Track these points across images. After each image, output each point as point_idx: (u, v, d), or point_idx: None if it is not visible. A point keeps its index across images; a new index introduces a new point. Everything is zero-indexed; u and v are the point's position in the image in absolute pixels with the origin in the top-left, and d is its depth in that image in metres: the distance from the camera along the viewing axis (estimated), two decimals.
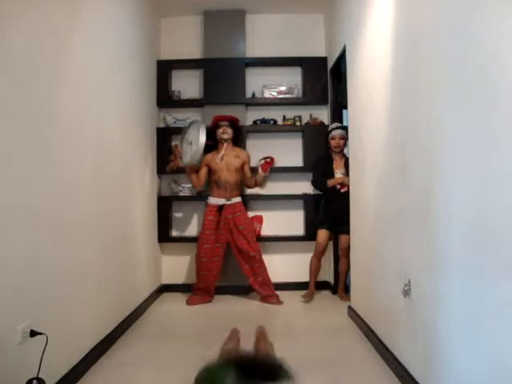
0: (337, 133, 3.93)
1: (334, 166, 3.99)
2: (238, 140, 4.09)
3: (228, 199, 3.89)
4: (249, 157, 4.08)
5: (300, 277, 4.22)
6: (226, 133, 3.92)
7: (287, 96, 4.41)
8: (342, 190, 3.88)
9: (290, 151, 4.37)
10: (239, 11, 4.40)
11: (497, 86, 1.36)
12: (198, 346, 2.84)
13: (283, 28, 4.50)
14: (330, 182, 3.92)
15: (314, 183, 4.10)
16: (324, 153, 4.09)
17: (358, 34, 3.09)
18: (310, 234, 4.18)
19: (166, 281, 4.31)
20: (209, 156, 3.96)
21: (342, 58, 3.68)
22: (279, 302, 3.83)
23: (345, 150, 4.01)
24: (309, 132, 4.32)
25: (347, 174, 3.83)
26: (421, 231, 1.98)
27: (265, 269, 3.93)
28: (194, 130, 3.91)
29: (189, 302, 3.85)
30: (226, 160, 3.92)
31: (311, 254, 4.06)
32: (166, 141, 4.34)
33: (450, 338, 1.71)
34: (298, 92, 4.44)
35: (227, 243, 3.91)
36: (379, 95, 2.61)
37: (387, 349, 2.47)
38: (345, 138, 3.91)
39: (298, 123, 4.39)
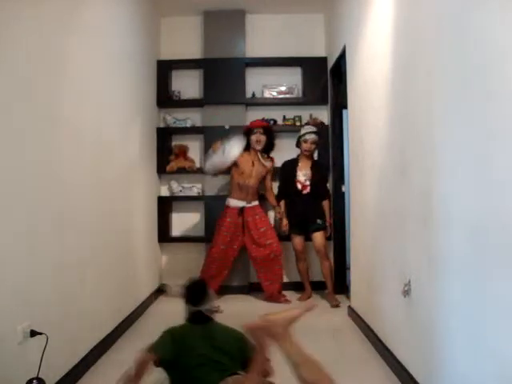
0: (310, 137, 3.91)
1: (299, 167, 3.97)
2: (269, 149, 4.02)
3: (248, 202, 3.91)
4: (273, 167, 4.05)
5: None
6: (259, 141, 3.90)
7: (287, 96, 4.41)
8: (304, 192, 3.91)
9: (290, 151, 4.37)
10: (239, 11, 4.40)
11: (497, 85, 1.36)
12: None
13: (283, 28, 4.50)
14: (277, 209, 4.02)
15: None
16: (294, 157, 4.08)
17: (358, 34, 3.09)
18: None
19: (165, 281, 4.31)
20: (241, 155, 3.88)
21: (342, 58, 3.67)
22: (287, 301, 3.86)
23: (315, 155, 4.10)
24: None
25: (313, 176, 3.92)
26: (421, 231, 1.98)
27: (281, 269, 3.95)
28: (233, 145, 3.84)
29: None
30: (256, 167, 3.92)
31: (311, 255, 4.06)
32: (166, 141, 4.34)
33: (449, 337, 1.71)
34: (298, 92, 4.44)
35: (242, 246, 3.91)
36: (379, 95, 2.61)
37: (387, 349, 2.47)
38: (316, 143, 3.95)
39: (297, 123, 4.38)
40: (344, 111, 4.05)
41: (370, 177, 2.88)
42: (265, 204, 4.17)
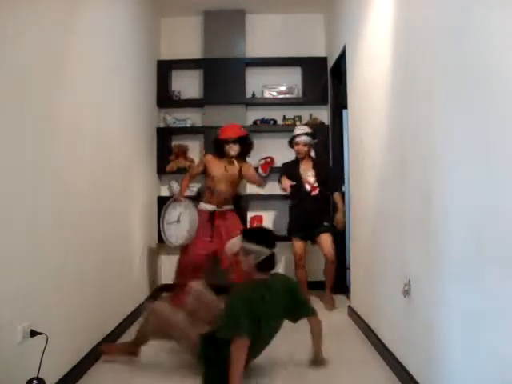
0: (301, 139, 3.75)
1: (302, 169, 3.81)
2: (247, 152, 3.75)
3: (219, 207, 3.65)
4: (251, 168, 3.74)
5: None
6: (232, 150, 3.60)
7: (287, 96, 4.41)
8: (313, 193, 3.72)
9: (289, 151, 4.37)
10: (239, 11, 4.40)
11: (497, 85, 1.36)
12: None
13: (283, 28, 4.50)
14: (284, 183, 3.72)
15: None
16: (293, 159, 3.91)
17: (358, 34, 3.09)
18: None
19: (165, 281, 4.30)
20: (210, 156, 3.69)
21: (342, 58, 3.67)
22: None
23: (312, 154, 3.93)
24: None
25: (317, 177, 3.75)
26: (421, 231, 1.98)
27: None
28: (186, 215, 3.61)
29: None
30: (229, 172, 3.63)
31: (310, 254, 4.05)
32: (165, 141, 4.34)
33: (449, 337, 1.71)
34: (298, 92, 4.44)
35: (215, 251, 3.59)
36: (379, 95, 2.61)
37: (387, 349, 2.47)
38: (309, 145, 3.79)
39: (298, 123, 4.38)
40: (344, 111, 4.05)
41: (370, 177, 2.88)
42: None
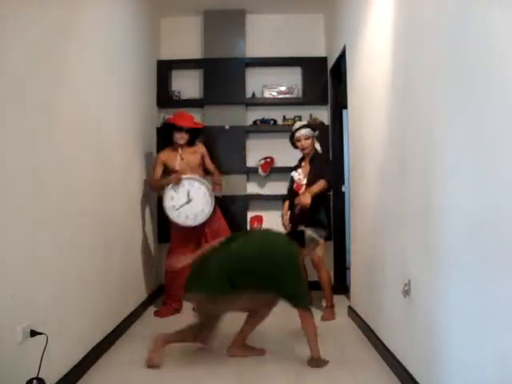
0: (300, 133, 3.50)
1: (301, 168, 3.60)
2: (193, 141, 3.73)
3: None
4: (205, 149, 3.75)
5: None
6: (182, 138, 3.57)
7: (287, 96, 4.41)
8: (300, 191, 3.50)
9: (289, 151, 4.36)
10: (239, 11, 4.40)
11: (497, 85, 1.36)
12: (197, 345, 2.84)
13: (283, 28, 4.50)
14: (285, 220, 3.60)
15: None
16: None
17: (357, 34, 3.09)
18: None
19: (165, 281, 4.30)
20: (164, 155, 3.63)
21: (342, 58, 3.67)
22: None
23: (317, 146, 3.61)
24: None
25: (310, 171, 3.47)
26: (421, 231, 1.98)
27: None
28: (196, 190, 3.54)
29: (162, 314, 3.52)
30: (186, 158, 3.60)
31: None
32: (165, 140, 4.33)
33: (449, 337, 1.71)
34: (298, 92, 4.44)
35: (198, 244, 3.52)
36: (379, 95, 2.61)
37: (387, 349, 2.47)
38: (311, 137, 3.52)
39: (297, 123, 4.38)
40: (344, 111, 4.05)
41: (370, 177, 2.88)
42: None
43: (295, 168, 3.67)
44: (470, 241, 1.55)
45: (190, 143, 3.69)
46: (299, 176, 3.55)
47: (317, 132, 3.62)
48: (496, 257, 1.38)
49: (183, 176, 3.53)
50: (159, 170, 3.61)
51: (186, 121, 3.61)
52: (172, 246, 3.62)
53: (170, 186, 3.53)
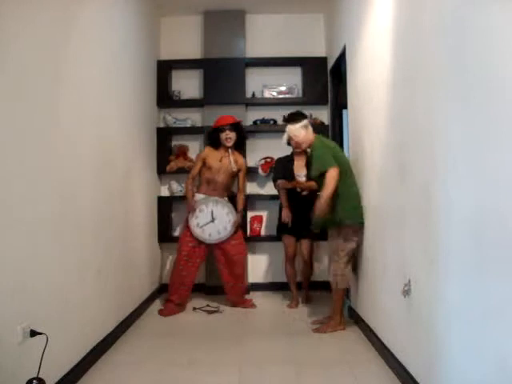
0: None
1: (296, 166, 3.74)
2: (240, 144, 3.85)
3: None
4: (245, 166, 3.87)
5: (300, 277, 4.21)
6: (229, 139, 3.68)
7: (287, 96, 4.41)
8: (304, 193, 3.68)
9: (290, 151, 4.37)
10: (239, 11, 4.40)
11: (497, 85, 1.36)
12: (197, 345, 2.85)
13: (283, 28, 4.50)
14: (282, 184, 3.69)
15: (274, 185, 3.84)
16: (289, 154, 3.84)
17: (357, 34, 3.09)
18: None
19: (165, 281, 4.30)
20: (208, 150, 3.74)
21: (341, 57, 3.67)
22: (253, 306, 3.76)
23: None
24: None
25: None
26: (421, 231, 1.98)
27: (244, 271, 3.84)
28: (220, 209, 3.69)
29: (165, 312, 3.58)
30: (225, 164, 3.70)
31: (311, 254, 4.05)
32: (166, 141, 4.34)
33: (449, 337, 1.71)
34: (298, 92, 4.44)
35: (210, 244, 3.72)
36: (379, 95, 2.61)
37: (387, 349, 2.47)
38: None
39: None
40: (344, 111, 4.05)
41: (370, 177, 2.88)
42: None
43: (289, 161, 3.76)
44: (469, 241, 1.55)
45: (237, 147, 3.81)
46: (304, 179, 3.69)
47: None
48: (496, 257, 1.38)
49: (196, 205, 3.68)
50: (197, 167, 3.75)
51: (227, 120, 3.73)
52: (181, 241, 3.71)
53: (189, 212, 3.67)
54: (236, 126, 3.74)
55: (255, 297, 4.01)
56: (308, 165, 3.47)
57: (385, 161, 2.55)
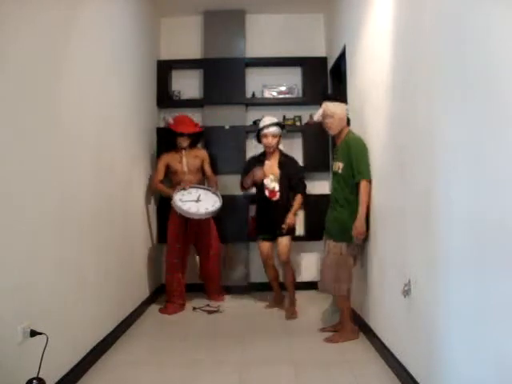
0: (269, 131, 3.49)
1: (267, 167, 3.55)
2: (196, 142, 3.96)
3: None
4: (207, 155, 3.95)
5: (300, 277, 4.22)
6: (184, 141, 3.79)
7: (287, 96, 4.41)
8: (274, 199, 3.51)
9: (290, 151, 4.35)
10: (239, 11, 4.40)
11: (497, 85, 1.36)
12: (197, 345, 2.85)
13: (283, 28, 4.50)
14: (248, 181, 3.57)
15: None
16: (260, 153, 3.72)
17: (357, 34, 3.09)
18: (310, 234, 4.18)
19: (165, 281, 4.30)
20: (167, 156, 3.83)
21: (341, 57, 3.67)
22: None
23: (280, 146, 3.63)
24: (309, 132, 4.31)
25: (281, 177, 3.51)
26: (421, 231, 1.98)
27: (219, 268, 3.98)
28: (208, 195, 3.72)
29: (169, 311, 3.62)
30: (187, 161, 3.81)
31: (311, 254, 4.06)
32: (166, 141, 4.33)
33: (449, 337, 1.71)
34: (297, 92, 4.44)
35: (193, 244, 3.92)
36: (379, 95, 2.61)
37: (387, 349, 2.47)
38: (278, 136, 3.55)
39: (297, 123, 4.38)
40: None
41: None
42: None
43: (259, 162, 3.60)
44: (469, 241, 1.55)
45: (193, 144, 3.91)
46: (272, 183, 3.51)
47: (285, 131, 3.69)
48: (496, 257, 1.38)
49: (197, 185, 3.77)
50: (162, 171, 3.82)
51: (187, 126, 3.78)
52: (169, 242, 3.79)
53: (180, 188, 3.69)
54: (191, 135, 3.82)
55: (256, 296, 4.02)
56: (334, 154, 3.13)
57: (385, 161, 2.55)
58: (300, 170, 3.73)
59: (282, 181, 3.52)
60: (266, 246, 3.63)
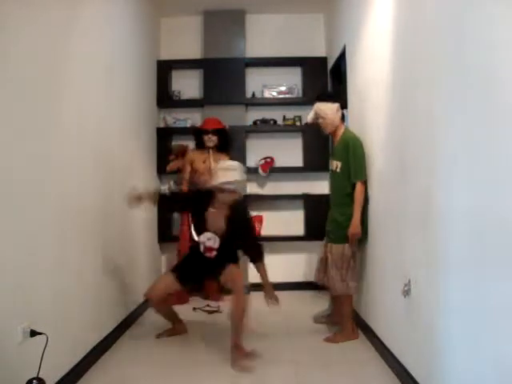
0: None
1: (211, 216, 2.73)
2: (225, 146, 3.86)
3: None
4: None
5: (300, 277, 4.23)
6: (210, 140, 3.79)
7: (287, 96, 4.41)
8: (207, 255, 2.77)
9: (289, 151, 4.38)
10: (239, 11, 4.40)
11: (497, 84, 1.36)
12: (197, 345, 2.85)
13: (283, 28, 4.50)
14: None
15: None
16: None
17: (357, 34, 3.09)
18: (310, 234, 4.18)
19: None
20: (193, 154, 3.90)
21: (341, 57, 3.67)
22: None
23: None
24: (309, 132, 4.30)
25: (227, 230, 2.70)
26: (421, 231, 1.98)
27: None
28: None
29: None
30: (208, 163, 3.79)
31: (311, 254, 4.05)
32: (166, 141, 4.34)
33: (449, 337, 1.71)
34: (297, 92, 4.44)
35: None
36: (379, 95, 2.61)
37: (387, 349, 2.47)
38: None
39: (297, 123, 4.38)
40: (344, 111, 4.04)
41: (370, 176, 2.87)
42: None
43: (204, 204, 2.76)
44: (469, 241, 1.55)
45: (222, 148, 3.84)
46: (212, 240, 2.75)
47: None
48: (496, 257, 1.38)
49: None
50: (188, 169, 3.89)
51: (212, 124, 3.82)
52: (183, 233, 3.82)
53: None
54: (220, 131, 3.81)
55: (258, 297, 4.01)
56: (332, 152, 3.07)
57: (385, 160, 2.55)
58: (248, 226, 2.88)
59: (225, 237, 2.75)
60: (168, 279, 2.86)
